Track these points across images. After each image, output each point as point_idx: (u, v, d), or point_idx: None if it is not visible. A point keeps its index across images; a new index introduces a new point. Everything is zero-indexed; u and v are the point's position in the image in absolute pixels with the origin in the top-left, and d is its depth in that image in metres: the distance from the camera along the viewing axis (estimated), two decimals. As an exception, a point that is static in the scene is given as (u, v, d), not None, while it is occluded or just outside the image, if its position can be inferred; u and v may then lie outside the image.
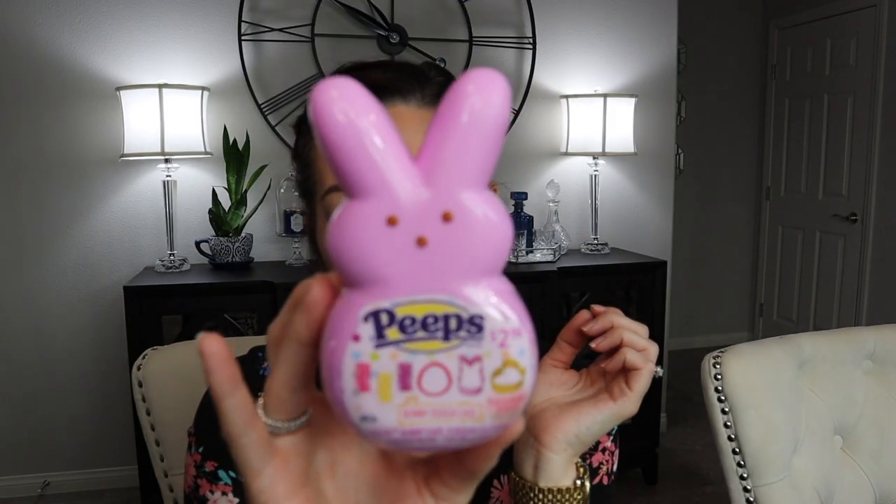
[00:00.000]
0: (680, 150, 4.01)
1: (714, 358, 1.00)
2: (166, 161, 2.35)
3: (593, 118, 2.66)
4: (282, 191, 2.49)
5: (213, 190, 2.41)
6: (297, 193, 0.70)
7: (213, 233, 2.39)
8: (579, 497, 0.54)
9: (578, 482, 0.55)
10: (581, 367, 0.59)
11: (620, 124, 2.67)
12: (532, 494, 0.54)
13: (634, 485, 2.67)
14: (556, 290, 2.42)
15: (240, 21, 2.48)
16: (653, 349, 0.54)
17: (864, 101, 3.62)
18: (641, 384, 0.53)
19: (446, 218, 0.25)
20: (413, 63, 0.66)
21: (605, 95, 2.67)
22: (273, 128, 2.55)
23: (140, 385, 0.99)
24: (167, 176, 2.37)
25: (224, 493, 0.64)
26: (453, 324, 0.26)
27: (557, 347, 0.58)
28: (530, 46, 2.75)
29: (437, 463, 0.31)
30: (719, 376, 0.98)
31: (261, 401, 0.30)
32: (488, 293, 0.26)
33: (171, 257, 2.38)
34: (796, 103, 4.10)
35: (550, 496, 0.54)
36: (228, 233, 2.37)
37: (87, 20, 2.41)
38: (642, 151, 2.89)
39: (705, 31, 4.15)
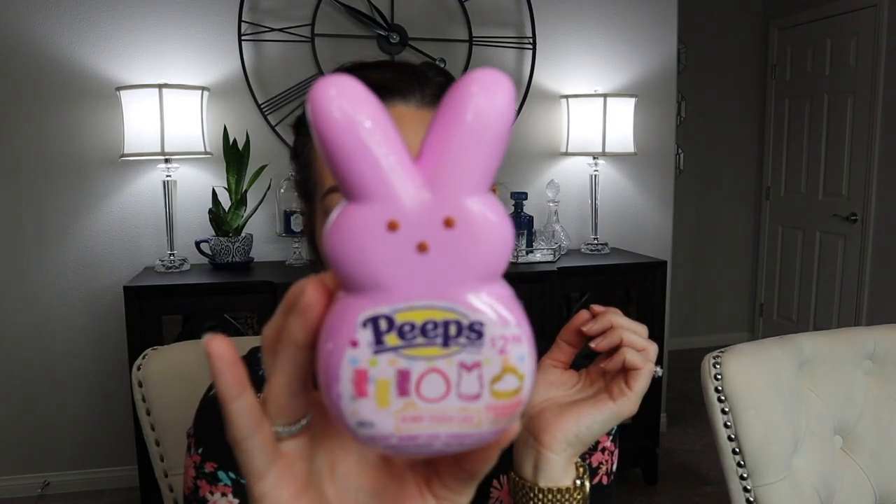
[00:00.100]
0: (680, 150, 4.01)
1: (714, 358, 1.00)
2: (166, 161, 2.35)
3: (593, 118, 2.66)
4: (282, 191, 2.49)
5: (213, 190, 2.41)
6: (296, 193, 0.70)
7: (213, 233, 2.39)
8: (579, 497, 0.54)
9: (578, 482, 0.55)
10: (581, 367, 0.59)
11: (620, 124, 2.67)
12: (532, 494, 0.54)
13: (634, 485, 2.67)
14: (556, 290, 2.42)
15: (240, 21, 2.48)
16: (652, 349, 0.54)
17: (864, 101, 3.62)
18: (641, 384, 0.53)
19: (448, 224, 0.25)
20: (412, 63, 0.66)
21: (605, 95, 2.67)
22: (273, 128, 2.55)
23: (140, 385, 0.99)
24: (167, 176, 2.37)
25: (224, 495, 0.64)
26: (453, 330, 0.26)
27: (557, 347, 0.58)
28: (530, 46, 2.75)
29: (437, 464, 0.31)
30: (719, 376, 0.98)
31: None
32: (489, 299, 0.26)
33: (171, 257, 2.38)
34: (796, 103, 4.10)
35: (550, 496, 0.54)
36: (228, 233, 2.37)
37: (87, 20, 2.41)
38: (642, 151, 2.89)
39: (705, 31, 4.15)
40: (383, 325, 0.25)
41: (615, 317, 0.55)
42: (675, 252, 3.24)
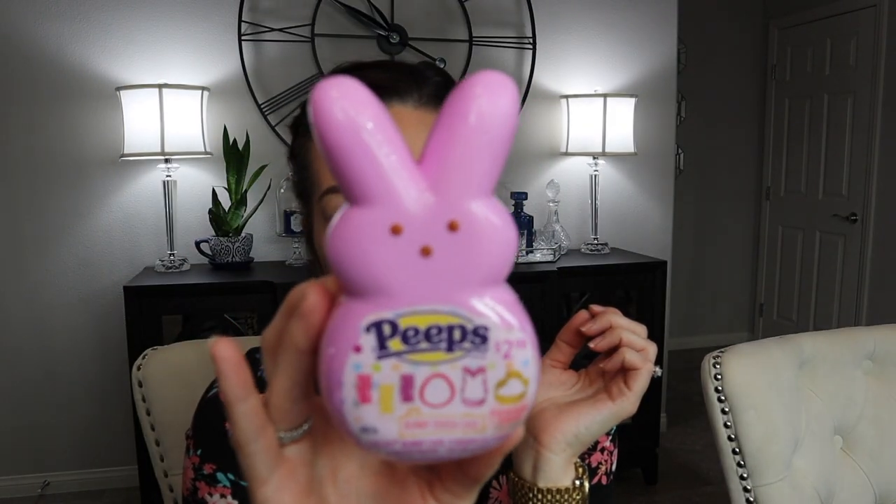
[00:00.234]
0: (680, 150, 4.01)
1: (714, 358, 1.00)
2: (166, 161, 2.35)
3: (593, 118, 2.66)
4: (282, 191, 2.49)
5: (213, 190, 2.41)
6: (294, 194, 0.70)
7: (213, 233, 2.39)
8: (578, 497, 0.54)
9: (577, 482, 0.55)
10: (580, 367, 0.59)
11: (620, 124, 2.67)
12: (531, 495, 0.54)
13: (634, 485, 2.67)
14: (556, 290, 2.42)
15: (240, 21, 2.48)
16: (651, 349, 0.54)
17: (864, 101, 3.62)
18: (640, 384, 0.53)
19: (452, 227, 0.25)
20: (410, 63, 0.66)
21: (605, 95, 2.67)
22: (273, 128, 2.55)
23: (140, 385, 0.99)
24: (167, 176, 2.37)
25: (223, 496, 0.64)
26: (457, 335, 0.25)
27: (556, 348, 0.58)
28: (530, 46, 2.75)
29: (440, 469, 0.31)
30: (719, 376, 0.98)
31: None
32: (493, 304, 0.26)
33: (171, 257, 2.38)
34: (796, 103, 4.10)
35: (549, 496, 0.54)
36: (228, 233, 2.37)
37: (87, 20, 2.41)
38: (642, 151, 2.89)
39: (705, 31, 4.15)
40: (387, 329, 0.25)
41: (614, 317, 0.54)
42: (675, 252, 3.24)
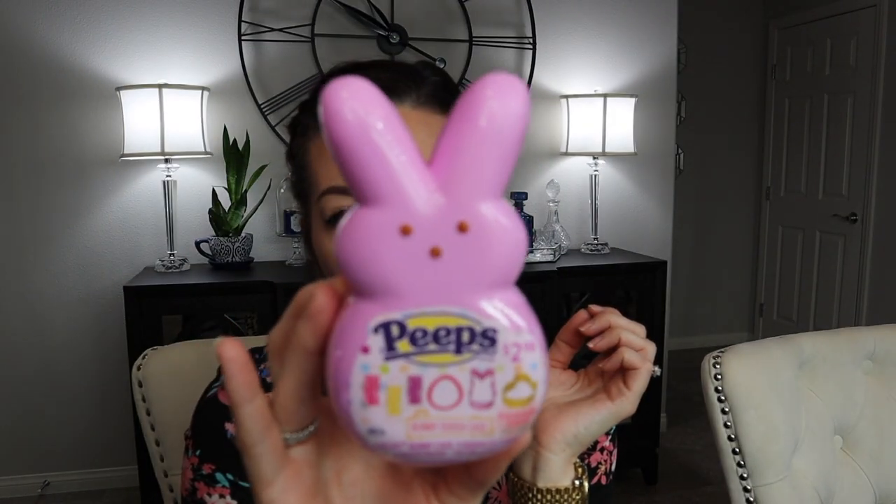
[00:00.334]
0: (680, 150, 4.01)
1: (714, 358, 1.00)
2: (166, 161, 2.35)
3: (593, 118, 2.66)
4: (282, 191, 2.49)
5: (213, 190, 2.41)
6: (292, 194, 0.69)
7: (213, 233, 2.39)
8: (578, 497, 0.54)
9: (577, 482, 0.54)
10: (579, 367, 0.59)
11: (620, 124, 2.67)
12: (531, 495, 0.54)
13: (634, 485, 2.67)
14: (556, 290, 2.42)
15: (240, 21, 2.48)
16: (650, 348, 0.54)
17: (864, 101, 3.62)
18: (639, 384, 0.53)
19: (462, 228, 0.25)
20: (408, 63, 0.66)
21: (605, 95, 2.67)
22: (273, 128, 2.55)
23: (140, 385, 0.99)
24: (167, 176, 2.37)
25: (222, 496, 0.63)
26: (466, 337, 0.25)
27: (555, 347, 0.58)
28: (530, 46, 2.75)
29: (445, 472, 0.31)
30: (719, 376, 0.98)
31: None
32: (502, 306, 0.25)
33: (171, 257, 2.38)
34: (796, 103, 4.10)
35: (549, 496, 0.54)
36: (228, 233, 2.37)
37: (87, 20, 2.41)
38: (642, 151, 2.89)
39: (705, 31, 4.15)
40: (395, 331, 0.25)
41: (613, 317, 0.54)
42: (675, 252, 3.24)
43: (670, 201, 3.05)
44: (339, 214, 0.59)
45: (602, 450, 0.70)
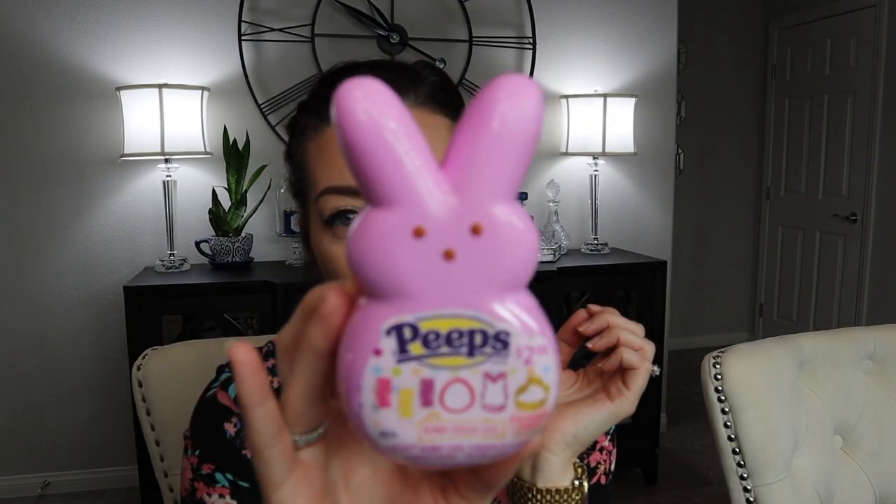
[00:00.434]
0: (680, 150, 4.01)
1: (714, 358, 1.00)
2: (166, 161, 2.35)
3: (593, 118, 2.66)
4: (282, 191, 2.49)
5: (213, 190, 2.41)
6: (290, 194, 0.69)
7: (213, 233, 2.39)
8: (577, 497, 0.54)
9: (576, 482, 0.54)
10: (578, 366, 0.59)
11: (620, 124, 2.67)
12: (530, 495, 0.54)
13: (634, 485, 2.67)
14: (557, 290, 2.42)
15: (240, 21, 2.48)
16: (649, 348, 0.54)
17: (864, 101, 3.62)
18: (639, 384, 0.53)
19: (475, 231, 0.25)
20: (406, 63, 0.65)
21: (605, 95, 2.67)
22: (273, 128, 2.55)
23: (140, 385, 0.99)
24: (167, 176, 2.37)
25: (221, 496, 0.63)
26: (478, 339, 0.25)
27: None
28: (530, 46, 2.75)
29: (454, 474, 0.31)
30: (719, 376, 0.98)
31: None
32: (515, 309, 0.25)
33: (171, 257, 2.38)
34: (796, 103, 4.10)
35: (549, 496, 0.54)
36: (228, 233, 2.37)
37: (87, 20, 2.41)
38: (642, 151, 2.89)
39: (705, 31, 4.15)
40: (408, 333, 0.25)
41: (612, 316, 0.54)
42: (675, 252, 3.24)
43: (670, 201, 3.05)
44: (337, 214, 0.59)
45: (601, 449, 0.70)
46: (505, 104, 0.24)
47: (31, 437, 2.55)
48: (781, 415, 1.00)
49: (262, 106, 2.53)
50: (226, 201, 2.40)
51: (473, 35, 2.69)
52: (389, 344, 0.25)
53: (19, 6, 2.36)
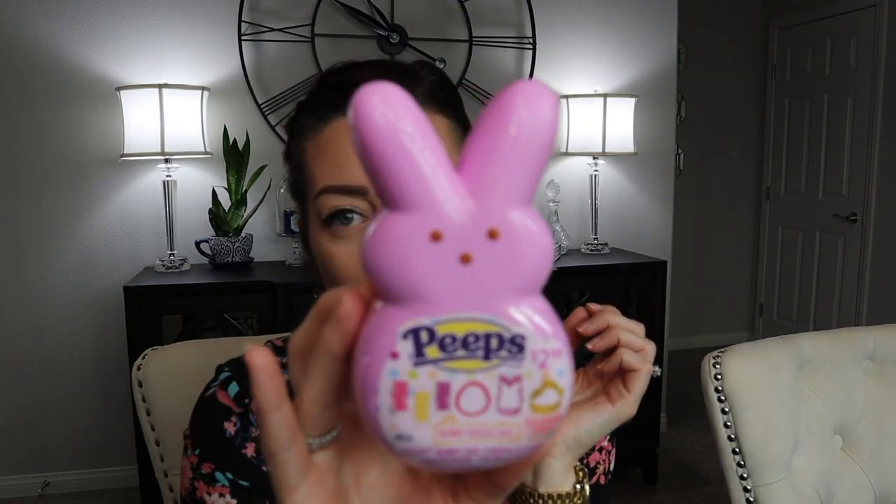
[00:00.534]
0: (680, 150, 4.01)
1: (714, 358, 1.00)
2: (166, 161, 2.35)
3: (593, 118, 2.66)
4: (282, 191, 2.49)
5: (213, 190, 2.41)
6: (289, 194, 0.69)
7: (213, 233, 2.39)
8: (579, 501, 0.54)
9: (578, 486, 0.54)
10: (579, 366, 0.58)
11: (620, 124, 2.67)
12: (532, 500, 0.54)
13: (634, 485, 2.67)
14: (556, 290, 2.42)
15: (240, 21, 2.48)
16: (650, 348, 0.53)
17: (864, 101, 3.62)
18: (639, 386, 0.53)
19: (492, 235, 0.25)
20: (405, 62, 0.65)
21: (605, 95, 2.67)
22: (273, 128, 2.55)
23: (140, 385, 0.99)
24: (167, 176, 2.37)
25: (221, 495, 0.63)
26: (494, 343, 0.25)
27: None
28: (530, 46, 2.75)
29: (465, 477, 0.31)
30: (719, 376, 0.98)
31: None
32: (530, 313, 0.26)
33: (171, 257, 2.38)
34: (796, 103, 4.10)
35: (550, 501, 0.53)
36: (228, 233, 2.37)
37: (87, 20, 2.41)
38: (642, 151, 2.89)
39: (705, 31, 4.15)
40: (424, 336, 0.25)
41: (612, 316, 0.54)
42: (675, 252, 3.24)
43: (670, 201, 3.05)
44: (335, 214, 0.59)
45: (601, 449, 0.70)
46: (522, 110, 0.24)
47: (30, 437, 2.55)
48: (781, 415, 1.00)
49: (262, 106, 2.53)
50: (226, 201, 2.40)
51: (473, 35, 2.69)
52: (406, 347, 0.25)
53: (19, 6, 2.36)
